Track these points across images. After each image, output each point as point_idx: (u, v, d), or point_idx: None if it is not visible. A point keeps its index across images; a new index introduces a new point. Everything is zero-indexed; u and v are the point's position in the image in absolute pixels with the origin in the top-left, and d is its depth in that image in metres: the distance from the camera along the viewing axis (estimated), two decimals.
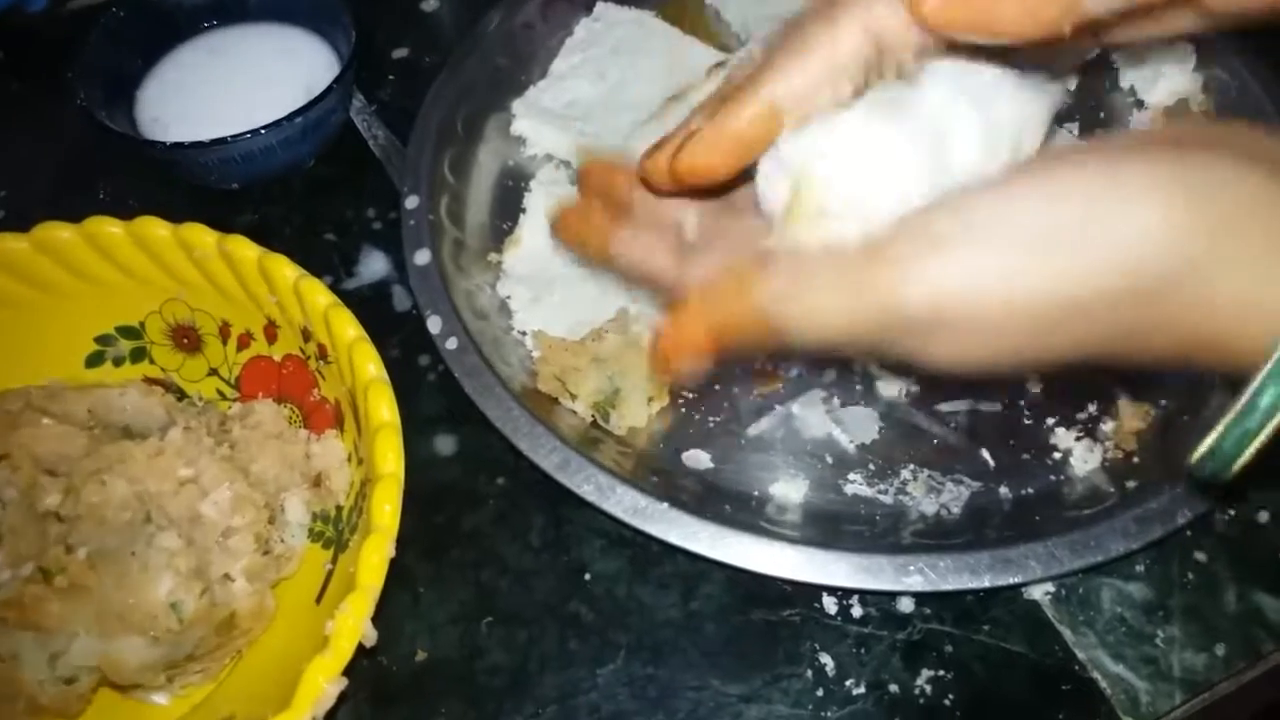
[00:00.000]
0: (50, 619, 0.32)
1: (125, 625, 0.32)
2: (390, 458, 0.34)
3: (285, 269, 0.39)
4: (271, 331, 0.41)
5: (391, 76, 0.59)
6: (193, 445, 0.36)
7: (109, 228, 0.40)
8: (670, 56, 0.56)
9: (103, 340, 0.43)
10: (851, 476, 0.43)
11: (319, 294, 0.38)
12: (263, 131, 0.47)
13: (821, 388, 0.45)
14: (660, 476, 0.43)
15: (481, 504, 0.44)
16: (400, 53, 0.60)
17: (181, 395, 0.43)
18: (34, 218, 0.53)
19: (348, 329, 0.37)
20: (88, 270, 0.41)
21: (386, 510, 0.33)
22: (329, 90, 0.48)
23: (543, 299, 0.48)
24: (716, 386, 0.46)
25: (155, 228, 0.39)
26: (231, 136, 0.46)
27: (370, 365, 0.36)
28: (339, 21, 0.51)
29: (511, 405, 0.42)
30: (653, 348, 0.30)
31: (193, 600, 0.33)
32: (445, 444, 0.45)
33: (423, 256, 0.47)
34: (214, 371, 0.43)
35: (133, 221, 0.40)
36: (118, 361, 0.43)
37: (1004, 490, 0.42)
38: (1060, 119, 0.53)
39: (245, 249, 0.39)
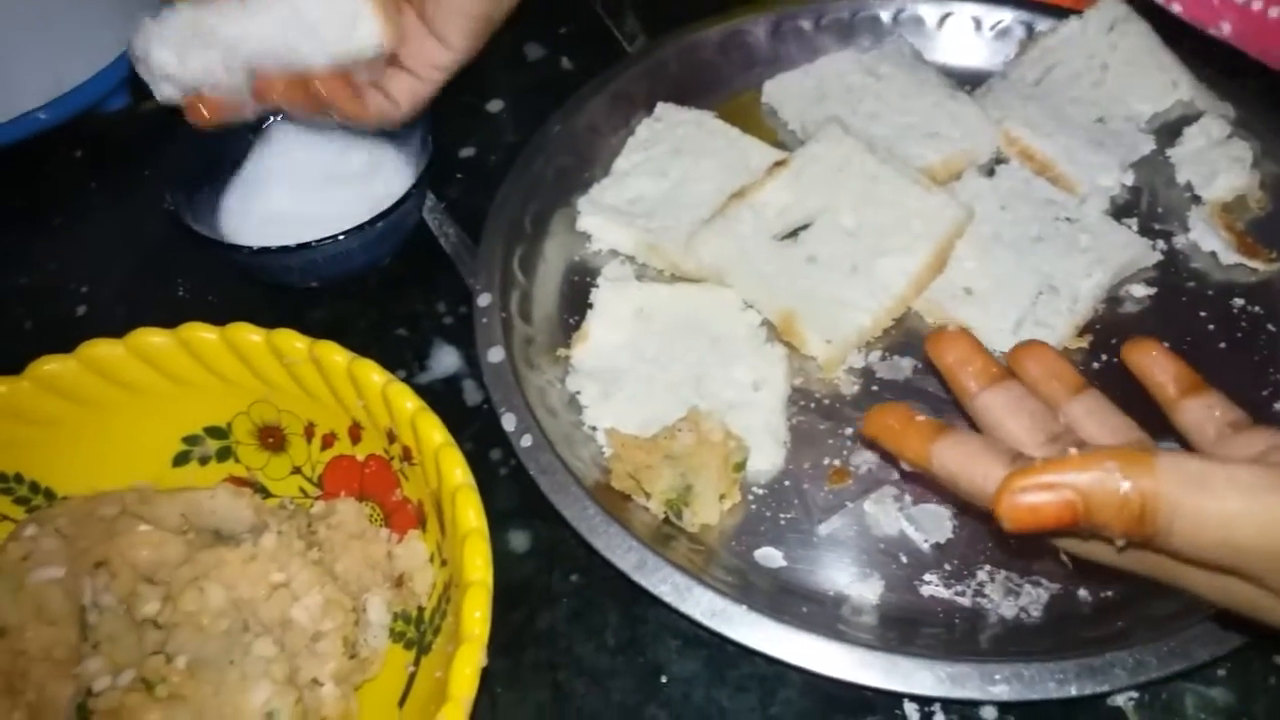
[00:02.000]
0: None
1: None
2: (479, 564, 0.35)
3: (374, 374, 0.40)
4: (356, 432, 0.42)
5: (459, 175, 0.61)
6: (284, 550, 0.37)
7: (203, 333, 0.41)
8: (730, 155, 0.57)
9: (190, 440, 0.44)
10: (927, 577, 0.43)
11: (406, 399, 0.39)
12: (344, 237, 0.48)
13: (892, 484, 0.45)
14: (734, 575, 0.43)
15: (556, 602, 0.44)
16: (467, 151, 0.62)
17: (265, 494, 0.43)
18: (115, 312, 0.56)
19: (434, 434, 0.38)
20: (180, 373, 0.42)
21: (477, 617, 0.34)
22: (409, 194, 0.50)
23: (612, 394, 0.48)
24: (787, 483, 0.46)
25: (248, 334, 0.41)
26: (315, 241, 0.48)
27: (457, 470, 0.37)
28: (416, 127, 0.53)
29: (587, 504, 0.43)
30: (999, 501, 0.30)
31: (288, 708, 0.33)
32: (519, 540, 0.46)
33: (496, 354, 0.48)
34: (297, 470, 0.44)
35: (226, 327, 0.41)
36: (204, 461, 0.44)
37: (1083, 593, 0.42)
38: (1119, 213, 0.54)
39: (335, 354, 0.40)
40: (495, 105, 0.65)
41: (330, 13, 0.45)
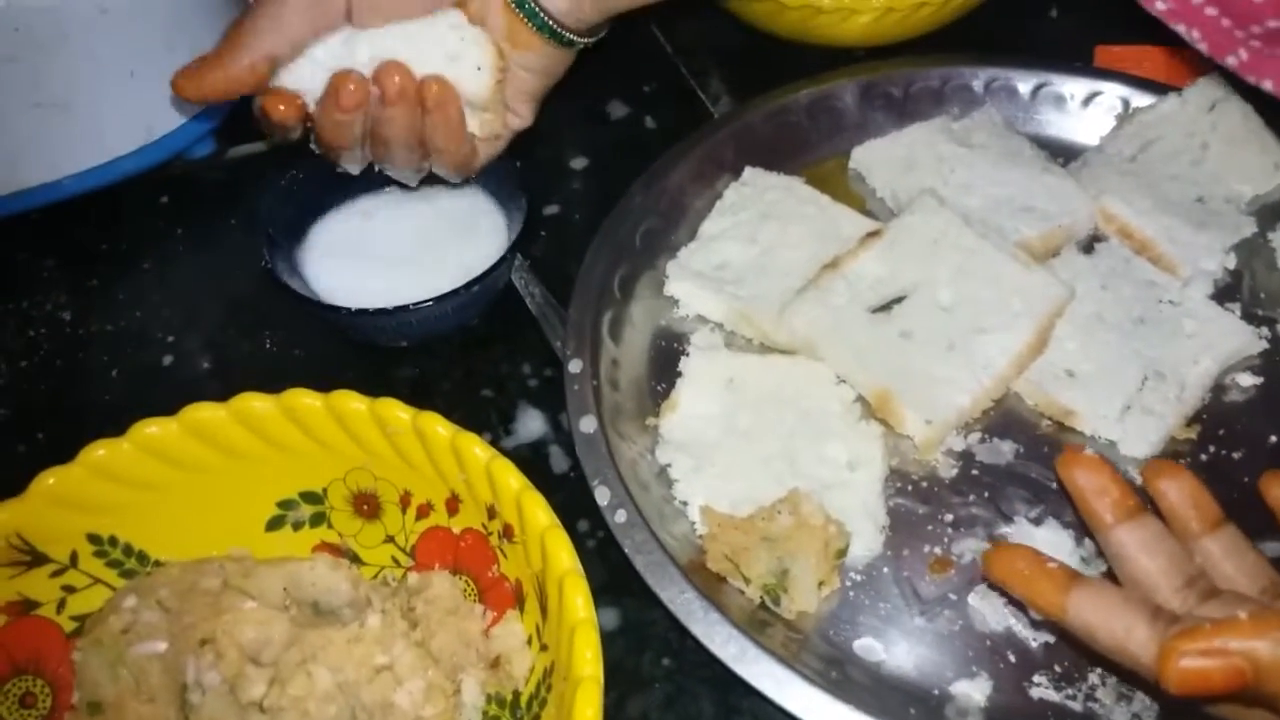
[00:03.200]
0: None
1: None
2: (589, 657, 0.34)
3: (477, 448, 0.39)
4: (454, 504, 0.42)
5: (543, 233, 0.61)
6: (388, 631, 0.36)
7: (307, 400, 0.41)
8: (820, 222, 0.57)
9: (285, 505, 0.43)
10: (1036, 679, 0.41)
11: (511, 476, 0.38)
12: (440, 300, 0.48)
13: None
14: (833, 667, 0.41)
15: (648, 687, 0.43)
16: (551, 209, 0.62)
17: (357, 561, 0.43)
18: (200, 363, 0.56)
19: (540, 514, 0.37)
20: (280, 439, 0.42)
21: (589, 715, 0.33)
22: (503, 258, 0.50)
23: (704, 468, 0.48)
24: (885, 570, 0.45)
25: (351, 402, 0.40)
26: (412, 305, 0.48)
27: (565, 556, 0.36)
28: (510, 189, 0.53)
29: (684, 586, 0.42)
30: (1165, 664, 0.30)
31: None
32: (608, 617, 0.45)
33: (588, 424, 0.47)
34: (390, 539, 0.43)
35: (330, 395, 0.40)
36: (297, 526, 0.43)
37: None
38: (1220, 297, 0.52)
39: (438, 426, 0.39)
40: (579, 163, 0.65)
41: (458, 52, 0.46)
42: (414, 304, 0.48)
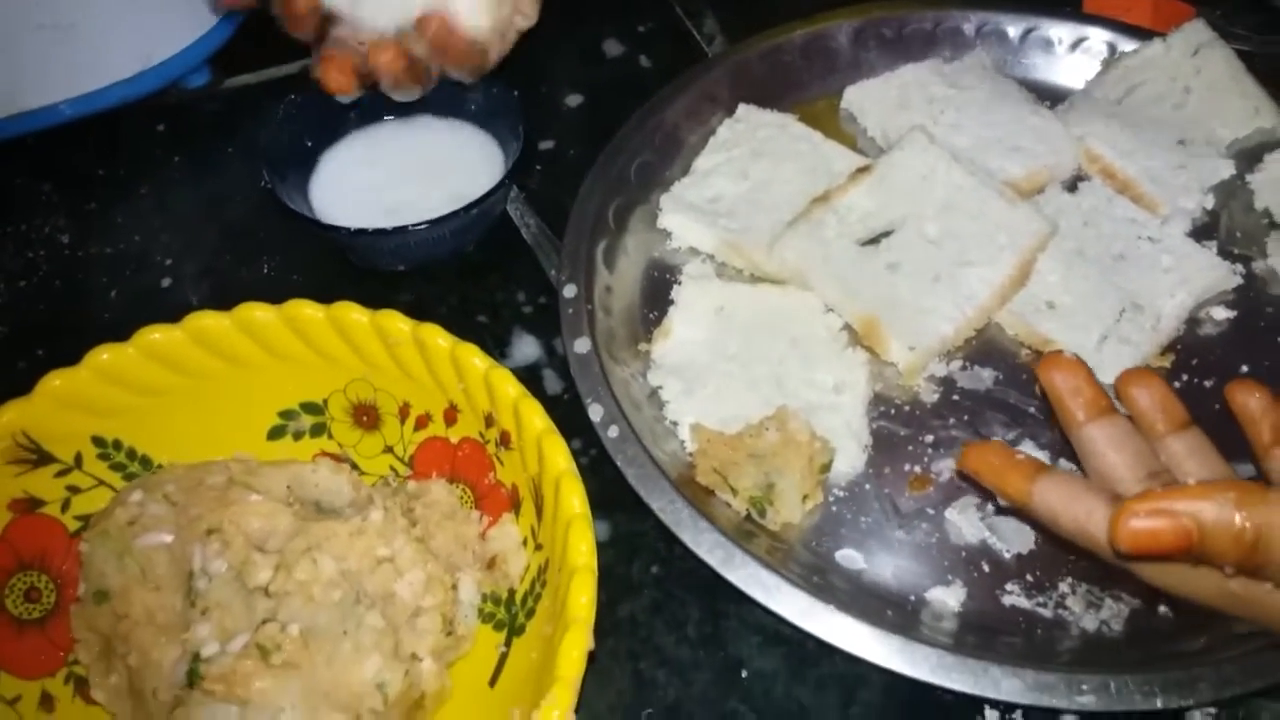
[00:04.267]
0: (260, 694, 0.33)
1: (331, 704, 0.33)
2: (584, 549, 0.35)
3: (476, 358, 0.40)
4: (451, 415, 0.43)
5: (539, 167, 0.62)
6: (389, 525, 0.37)
7: (309, 311, 0.42)
8: (812, 159, 0.58)
9: (286, 414, 0.44)
10: (1009, 587, 0.43)
11: (508, 384, 0.40)
12: (438, 222, 0.49)
13: (974, 494, 0.46)
14: (815, 574, 0.43)
15: (637, 592, 0.45)
16: (546, 144, 0.63)
17: (357, 471, 0.44)
18: (200, 286, 0.56)
19: (536, 420, 0.39)
20: (282, 349, 0.43)
21: (583, 602, 0.34)
22: (501, 184, 0.51)
23: (694, 390, 0.49)
24: (867, 486, 0.47)
25: (353, 313, 0.41)
26: (410, 225, 0.48)
27: (561, 458, 0.38)
28: (509, 121, 0.54)
29: (674, 496, 0.43)
30: (1116, 523, 0.32)
31: (397, 681, 0.33)
32: (599, 530, 0.46)
33: (582, 345, 0.48)
34: (389, 449, 0.45)
35: (332, 306, 0.41)
36: (297, 435, 0.45)
37: (1164, 609, 0.42)
38: (1198, 235, 0.54)
39: (438, 337, 0.41)
40: (574, 100, 0.66)
41: None
42: (412, 225, 0.49)
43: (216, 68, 0.66)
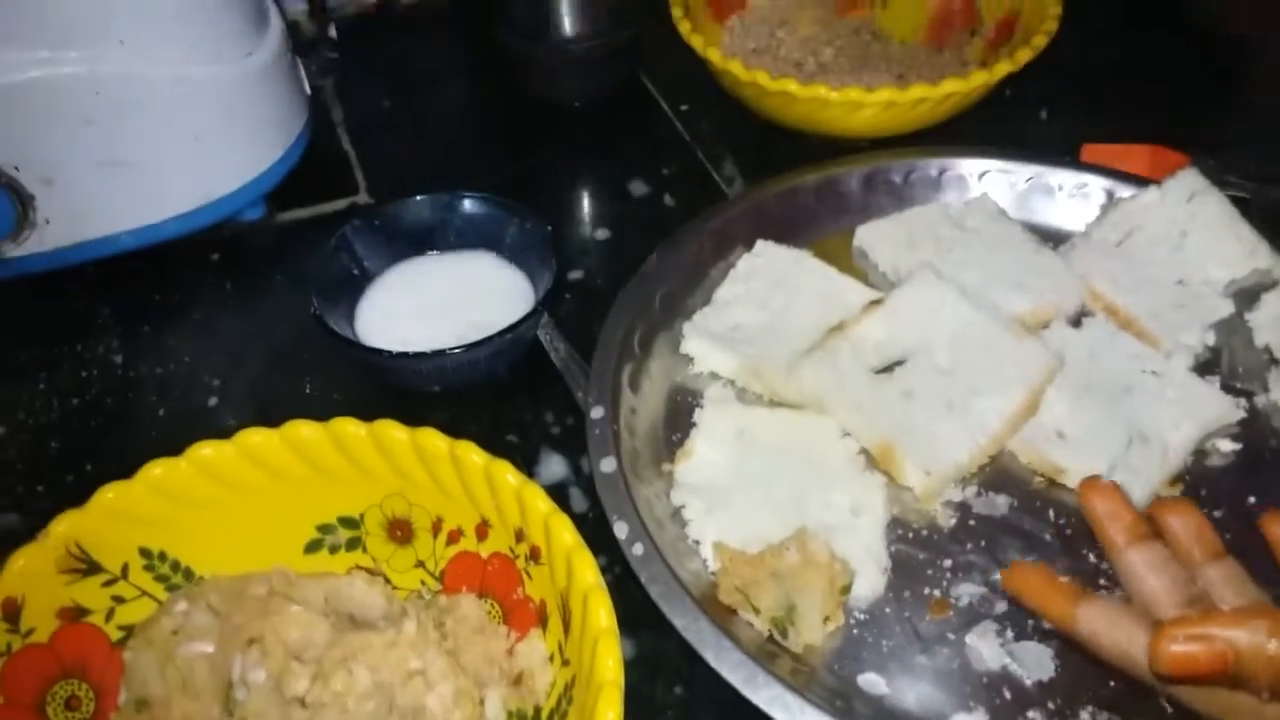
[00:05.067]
0: None
1: None
2: (611, 665, 0.36)
3: (509, 475, 0.42)
4: (483, 530, 0.45)
5: (568, 296, 0.65)
6: (422, 638, 0.38)
7: (351, 428, 0.44)
8: (826, 292, 0.61)
9: (324, 528, 0.46)
10: (1030, 714, 0.43)
11: (540, 500, 0.41)
12: (474, 347, 0.52)
13: (994, 619, 0.46)
14: (838, 698, 0.44)
15: (660, 713, 0.45)
16: (576, 275, 0.67)
17: (389, 584, 0.45)
18: (245, 405, 0.59)
19: (566, 535, 0.40)
20: (324, 464, 0.45)
21: (610, 717, 0.35)
22: (534, 311, 0.54)
23: (716, 510, 0.50)
24: (888, 610, 0.47)
25: (393, 430, 0.44)
26: (449, 349, 0.51)
27: (590, 572, 0.39)
28: (541, 253, 0.58)
29: (697, 615, 0.44)
30: (1156, 644, 0.35)
31: None
32: (624, 648, 0.47)
33: (608, 464, 0.50)
34: (420, 564, 0.46)
35: (374, 424, 0.44)
36: (333, 549, 0.46)
37: None
38: (1201, 370, 0.56)
39: (473, 454, 0.43)
40: (602, 234, 0.70)
41: None
42: (449, 349, 0.51)
43: (271, 202, 0.70)
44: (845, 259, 0.66)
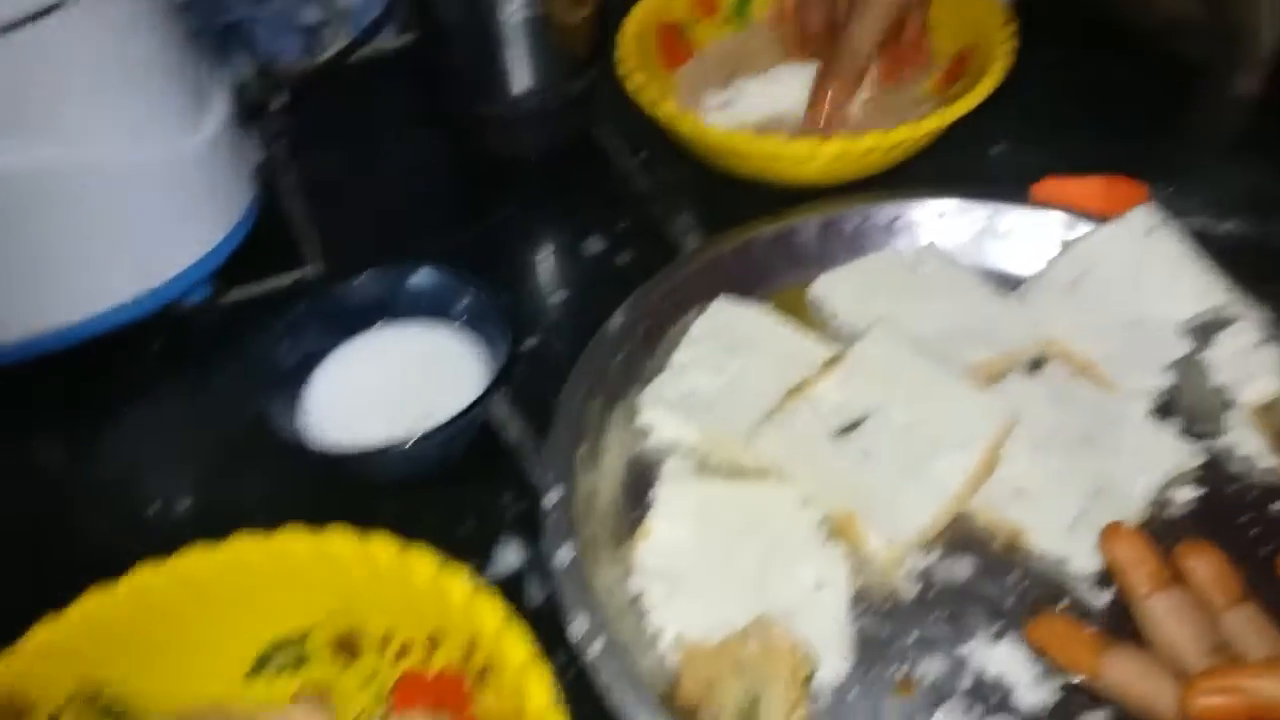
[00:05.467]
0: None
1: None
2: None
3: (460, 584, 0.41)
4: (433, 643, 0.44)
5: (523, 365, 0.64)
6: None
7: (299, 544, 0.43)
8: (784, 351, 0.60)
9: (267, 649, 0.45)
10: None
11: (492, 614, 0.40)
12: (426, 438, 0.51)
13: (960, 696, 0.46)
14: None
15: None
16: (530, 342, 0.66)
17: (333, 703, 0.44)
18: (188, 508, 0.58)
19: (518, 651, 0.39)
20: (268, 581, 0.44)
21: None
22: (486, 394, 0.53)
23: (676, 595, 0.49)
24: (854, 691, 0.47)
25: (341, 543, 0.43)
26: (396, 444, 0.50)
27: (542, 692, 0.38)
28: (498, 324, 0.57)
29: (661, 717, 0.43)
30: (1188, 698, 0.36)
31: None
32: None
33: (564, 555, 0.49)
34: (368, 681, 0.45)
35: (321, 537, 0.43)
36: (279, 669, 0.45)
37: None
38: (1160, 414, 0.55)
39: (424, 563, 0.42)
40: (557, 297, 0.69)
41: None
42: (398, 444, 0.50)
43: (218, 281, 0.69)
44: (804, 311, 0.65)
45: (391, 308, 0.60)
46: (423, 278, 0.60)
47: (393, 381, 0.59)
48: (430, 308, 0.60)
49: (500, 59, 0.72)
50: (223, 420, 0.62)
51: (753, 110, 0.77)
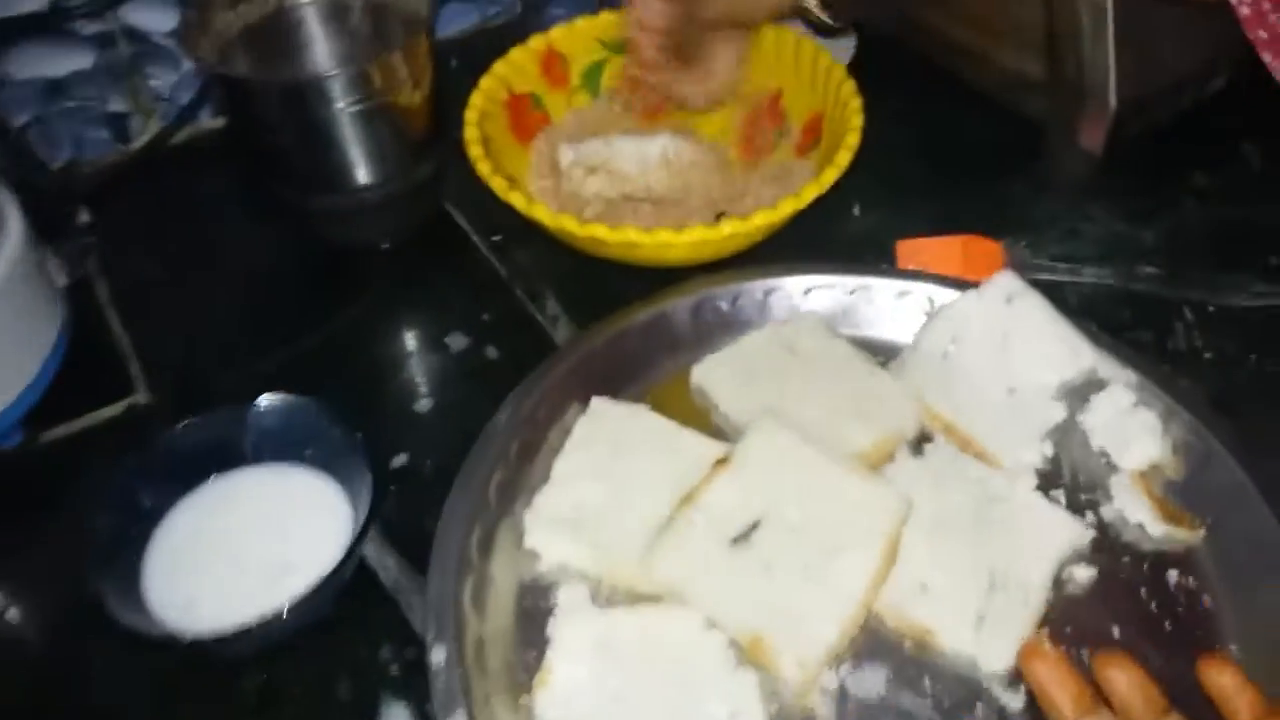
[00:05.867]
0: None
1: None
2: None
3: None
4: None
5: (393, 487, 0.59)
6: None
7: None
8: (669, 451, 0.57)
9: None
10: None
11: None
12: (286, 615, 0.45)
13: None
14: None
15: None
16: (400, 460, 0.61)
17: None
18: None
19: None
20: None
21: None
22: (354, 546, 0.48)
23: None
24: None
25: None
26: (254, 623, 0.45)
27: None
28: (357, 462, 0.52)
29: None
30: None
31: None
32: None
33: None
34: None
35: None
36: None
37: None
38: (1046, 484, 0.56)
39: None
40: (424, 405, 0.64)
41: None
42: (254, 625, 0.45)
43: (30, 424, 0.61)
44: (686, 402, 0.62)
45: (233, 452, 0.54)
46: (265, 415, 0.54)
47: (243, 538, 0.52)
48: (277, 448, 0.54)
49: (335, 151, 0.66)
50: (55, 587, 0.54)
51: (615, 173, 0.74)
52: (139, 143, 0.78)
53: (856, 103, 0.69)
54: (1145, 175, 0.74)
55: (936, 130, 0.80)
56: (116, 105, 0.77)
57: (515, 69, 0.76)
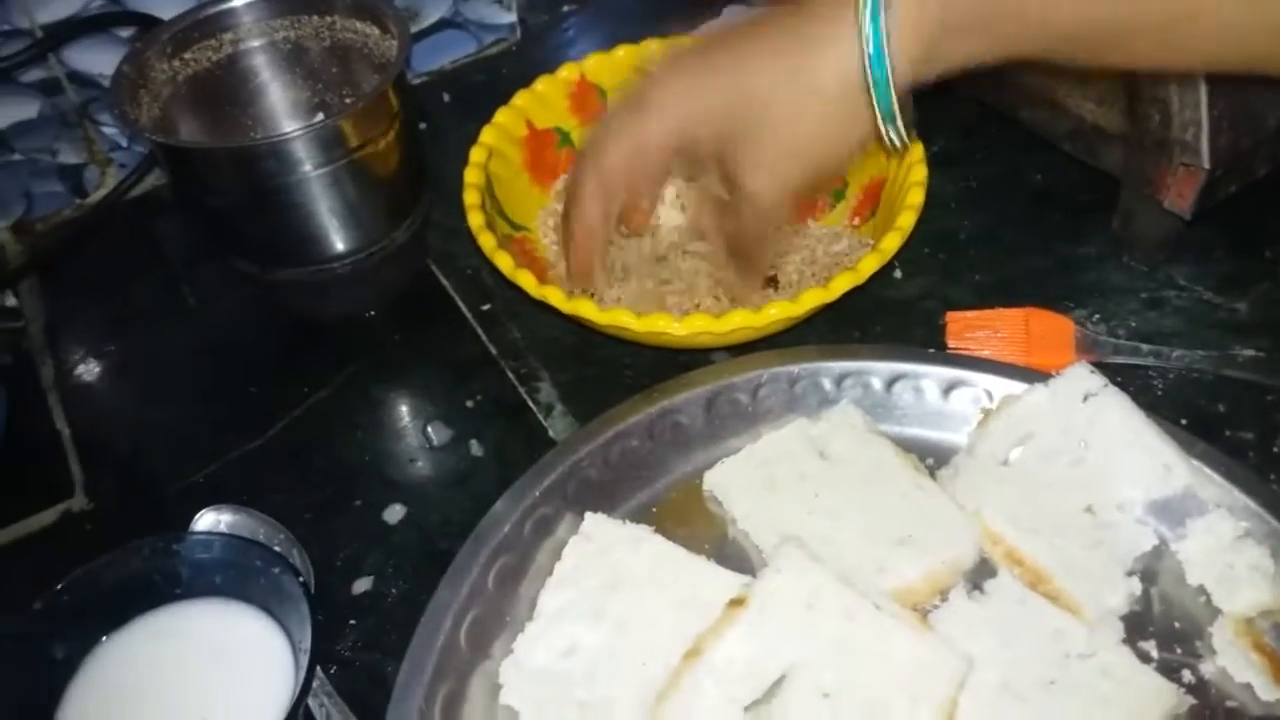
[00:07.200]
0: None
1: None
2: None
3: None
4: None
5: (353, 621, 0.51)
6: None
7: None
8: (676, 584, 0.48)
9: None
10: None
11: None
12: None
13: None
14: None
15: None
16: (362, 585, 0.52)
17: None
18: None
19: None
20: None
21: None
22: (294, 711, 0.40)
23: None
24: None
25: None
26: None
27: None
28: (294, 605, 0.44)
29: None
30: None
31: None
32: None
33: None
34: None
35: None
36: None
37: None
38: (1133, 634, 0.46)
39: None
40: (394, 514, 0.56)
41: None
42: None
43: None
44: (698, 512, 0.53)
45: (166, 587, 0.46)
46: (202, 548, 0.46)
47: (174, 688, 0.45)
48: (216, 583, 0.46)
49: (299, 221, 0.58)
50: None
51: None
52: (95, 196, 0.70)
53: (919, 152, 0.59)
54: (1238, 235, 0.63)
55: (992, 179, 0.69)
56: (69, 156, 0.69)
57: (539, 101, 0.66)
